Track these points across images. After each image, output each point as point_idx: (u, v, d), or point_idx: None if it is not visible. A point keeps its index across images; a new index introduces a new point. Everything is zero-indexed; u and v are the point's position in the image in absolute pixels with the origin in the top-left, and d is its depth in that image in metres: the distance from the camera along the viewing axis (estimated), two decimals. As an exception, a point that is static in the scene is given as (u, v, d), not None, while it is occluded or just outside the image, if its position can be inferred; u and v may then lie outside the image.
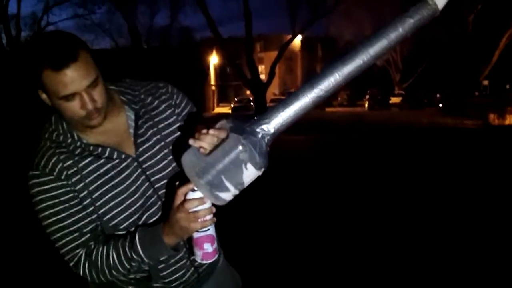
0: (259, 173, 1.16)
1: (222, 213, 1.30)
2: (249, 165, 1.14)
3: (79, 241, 1.46)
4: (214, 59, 48.03)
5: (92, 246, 1.47)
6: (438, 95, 40.38)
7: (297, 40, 45.95)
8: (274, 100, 44.80)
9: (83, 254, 1.46)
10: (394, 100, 41.57)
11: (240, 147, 1.13)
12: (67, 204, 1.44)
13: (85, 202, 1.45)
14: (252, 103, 36.18)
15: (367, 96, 43.62)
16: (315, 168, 9.92)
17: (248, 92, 39.46)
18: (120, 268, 1.44)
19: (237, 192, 1.18)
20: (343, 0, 30.16)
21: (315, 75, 1.18)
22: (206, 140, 1.18)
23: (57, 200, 1.43)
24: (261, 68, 45.09)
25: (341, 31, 42.66)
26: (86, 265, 1.46)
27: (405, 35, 1.16)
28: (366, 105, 41.81)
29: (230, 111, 40.63)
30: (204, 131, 1.18)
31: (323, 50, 65.49)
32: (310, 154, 12.07)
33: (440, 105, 33.85)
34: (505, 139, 15.17)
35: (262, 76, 34.67)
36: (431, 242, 5.03)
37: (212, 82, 49.41)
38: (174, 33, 48.83)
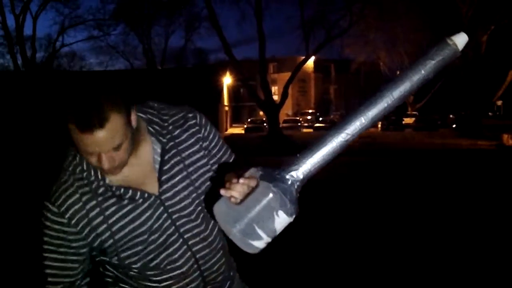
0: (291, 219, 1.16)
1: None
2: (280, 212, 1.14)
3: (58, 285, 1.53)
4: (227, 80, 48.29)
5: None
6: (451, 116, 40.24)
7: (310, 62, 46.09)
8: (287, 120, 44.86)
9: None
10: (408, 120, 41.44)
11: (271, 195, 1.14)
12: (64, 253, 1.48)
13: (106, 244, 1.46)
14: (265, 124, 36.23)
15: (380, 117, 43.43)
16: (326, 189, 9.89)
17: (261, 113, 39.60)
18: None
19: (269, 239, 1.18)
20: (356, 22, 30.34)
21: (341, 120, 1.20)
22: (236, 189, 1.18)
23: (58, 243, 1.47)
24: (274, 89, 45.27)
25: (355, 52, 42.75)
26: None
27: (428, 77, 1.17)
28: (380, 126, 41.69)
29: (243, 132, 40.67)
30: (234, 180, 1.19)
31: (336, 72, 65.72)
32: (322, 175, 12.01)
33: (454, 126, 33.67)
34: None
35: (275, 97, 34.84)
36: (444, 263, 4.99)
37: (226, 102, 49.58)
38: (188, 55, 49.40)
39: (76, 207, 1.44)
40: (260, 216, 1.15)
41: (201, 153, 1.56)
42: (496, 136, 21.95)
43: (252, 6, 28.24)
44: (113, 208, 1.45)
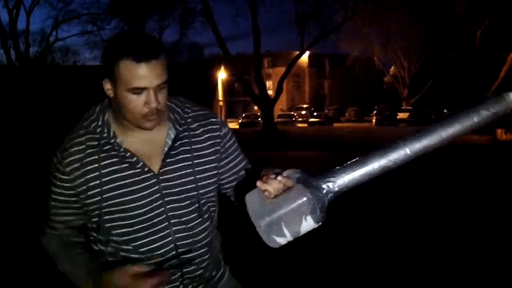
0: (316, 226, 1.20)
1: (228, 224, 1.34)
2: (309, 218, 1.18)
3: (55, 223, 1.61)
4: (222, 75, 48.21)
5: (60, 235, 1.62)
6: (445, 111, 40.35)
7: (305, 56, 46.06)
8: (281, 115, 44.84)
9: (51, 233, 1.63)
10: (402, 115, 41.52)
11: (305, 199, 1.18)
12: (63, 197, 1.55)
13: (94, 199, 1.52)
14: (259, 119, 36.23)
15: (375, 112, 43.57)
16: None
17: (255, 107, 39.57)
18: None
19: (291, 239, 1.22)
20: (351, 17, 30.34)
21: (388, 145, 1.24)
22: (273, 185, 1.22)
23: (57, 190, 1.55)
24: (268, 84, 45.13)
25: (349, 47, 42.77)
26: (46, 241, 1.64)
27: (478, 125, 1.20)
28: (374, 121, 41.77)
29: (237, 127, 40.63)
30: (273, 176, 1.23)
31: (331, 66, 65.77)
32: (316, 171, 12.02)
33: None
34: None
35: (270, 92, 34.79)
36: (441, 260, 5.03)
37: (220, 97, 49.55)
38: (182, 49, 49.16)
39: (77, 156, 1.52)
40: (289, 216, 1.19)
41: (212, 150, 1.62)
42: (490, 131, 22.01)
43: (247, 0, 28.19)
44: (110, 168, 1.50)
